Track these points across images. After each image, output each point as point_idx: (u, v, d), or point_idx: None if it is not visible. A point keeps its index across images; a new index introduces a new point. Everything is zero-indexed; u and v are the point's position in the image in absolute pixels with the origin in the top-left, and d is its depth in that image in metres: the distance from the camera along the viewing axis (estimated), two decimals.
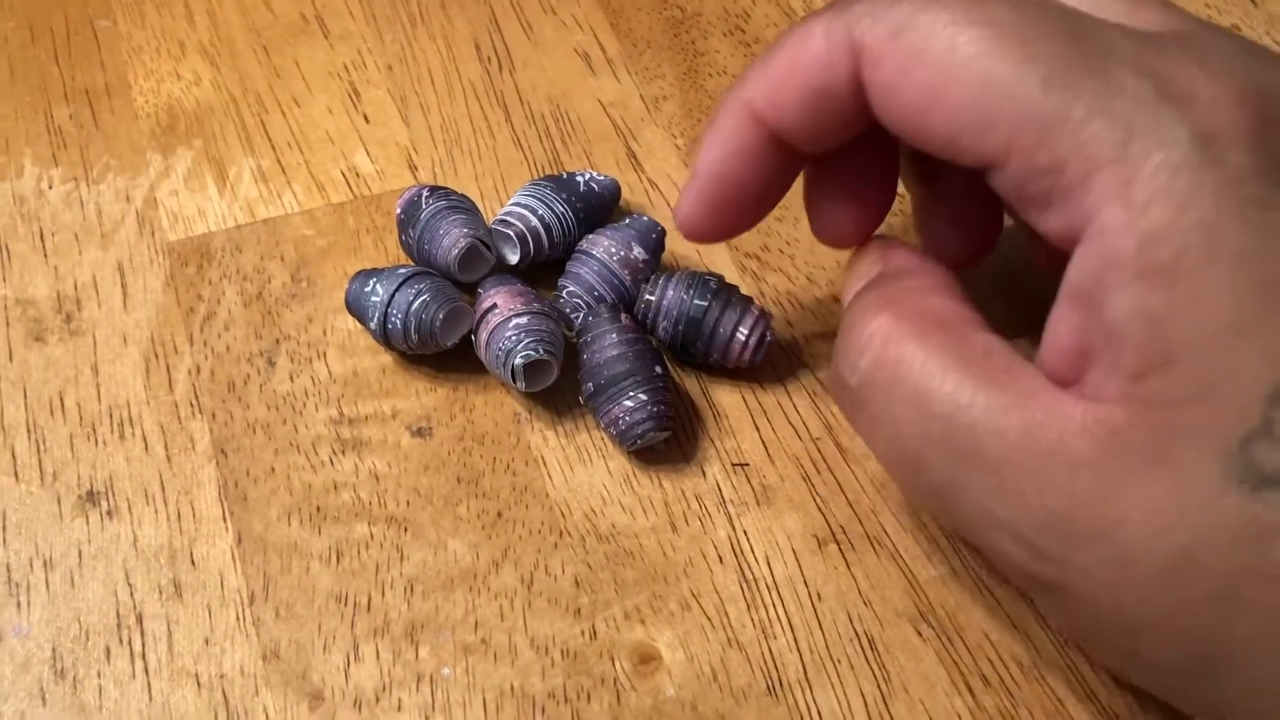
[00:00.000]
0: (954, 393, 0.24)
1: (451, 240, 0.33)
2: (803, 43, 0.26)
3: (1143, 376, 0.22)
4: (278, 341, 0.34)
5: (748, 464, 0.32)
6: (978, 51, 0.23)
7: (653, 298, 0.32)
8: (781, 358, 0.34)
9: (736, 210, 0.29)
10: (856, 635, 0.29)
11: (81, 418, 0.32)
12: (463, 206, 0.34)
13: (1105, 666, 0.29)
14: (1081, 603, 0.24)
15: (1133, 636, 0.23)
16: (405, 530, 0.31)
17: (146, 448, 0.32)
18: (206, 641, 0.29)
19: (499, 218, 0.34)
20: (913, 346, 0.25)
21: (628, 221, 0.34)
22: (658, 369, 0.31)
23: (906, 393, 0.25)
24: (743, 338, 0.32)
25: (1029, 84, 0.23)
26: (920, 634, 0.29)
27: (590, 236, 0.34)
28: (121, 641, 0.29)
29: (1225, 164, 0.22)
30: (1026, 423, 0.23)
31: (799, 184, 0.37)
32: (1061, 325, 0.24)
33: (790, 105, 0.27)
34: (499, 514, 0.31)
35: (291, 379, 0.33)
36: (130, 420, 0.32)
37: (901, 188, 0.32)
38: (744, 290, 0.35)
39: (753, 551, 0.30)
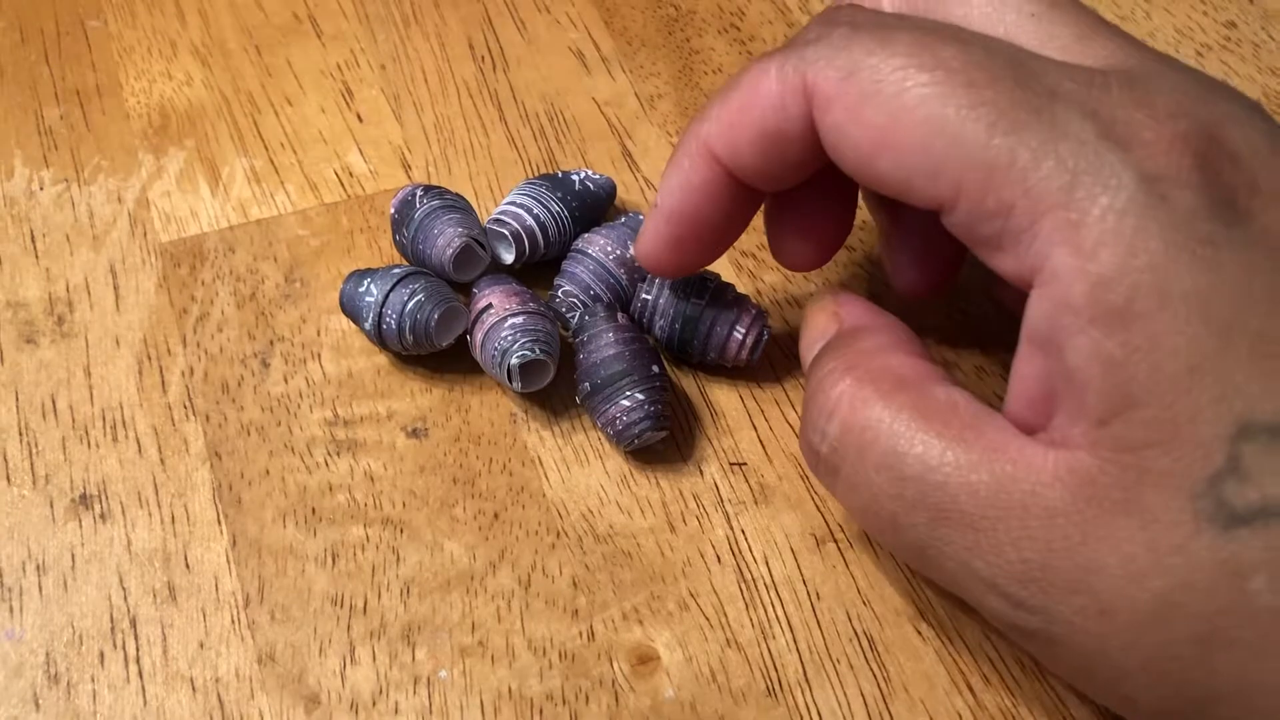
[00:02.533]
0: (923, 453, 0.24)
1: (446, 240, 0.33)
2: (756, 83, 0.26)
3: (1107, 421, 0.22)
4: (271, 343, 0.33)
5: (745, 463, 0.32)
6: (925, 95, 0.23)
7: (649, 297, 0.32)
8: (779, 357, 0.34)
9: (696, 245, 0.30)
10: (856, 635, 0.29)
11: (74, 420, 0.32)
12: (457, 206, 0.33)
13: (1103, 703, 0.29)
14: (1068, 651, 0.24)
15: (1122, 682, 0.23)
16: (401, 532, 0.30)
17: (140, 450, 0.31)
18: (201, 645, 0.29)
19: (494, 217, 0.34)
20: (879, 409, 0.25)
21: (623, 220, 0.34)
22: (654, 368, 0.31)
23: (876, 457, 0.25)
24: (740, 336, 0.32)
25: (975, 128, 0.23)
26: (920, 633, 0.29)
27: (586, 235, 0.34)
28: (115, 646, 0.29)
29: (1172, 204, 0.22)
30: (997, 476, 0.23)
31: None
32: (1025, 369, 0.24)
33: (744, 146, 0.27)
34: (496, 515, 0.31)
35: (286, 380, 0.33)
36: (123, 423, 0.32)
37: (865, 213, 0.32)
38: (741, 289, 0.34)
39: (751, 551, 0.30)
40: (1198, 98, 0.24)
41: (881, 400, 0.25)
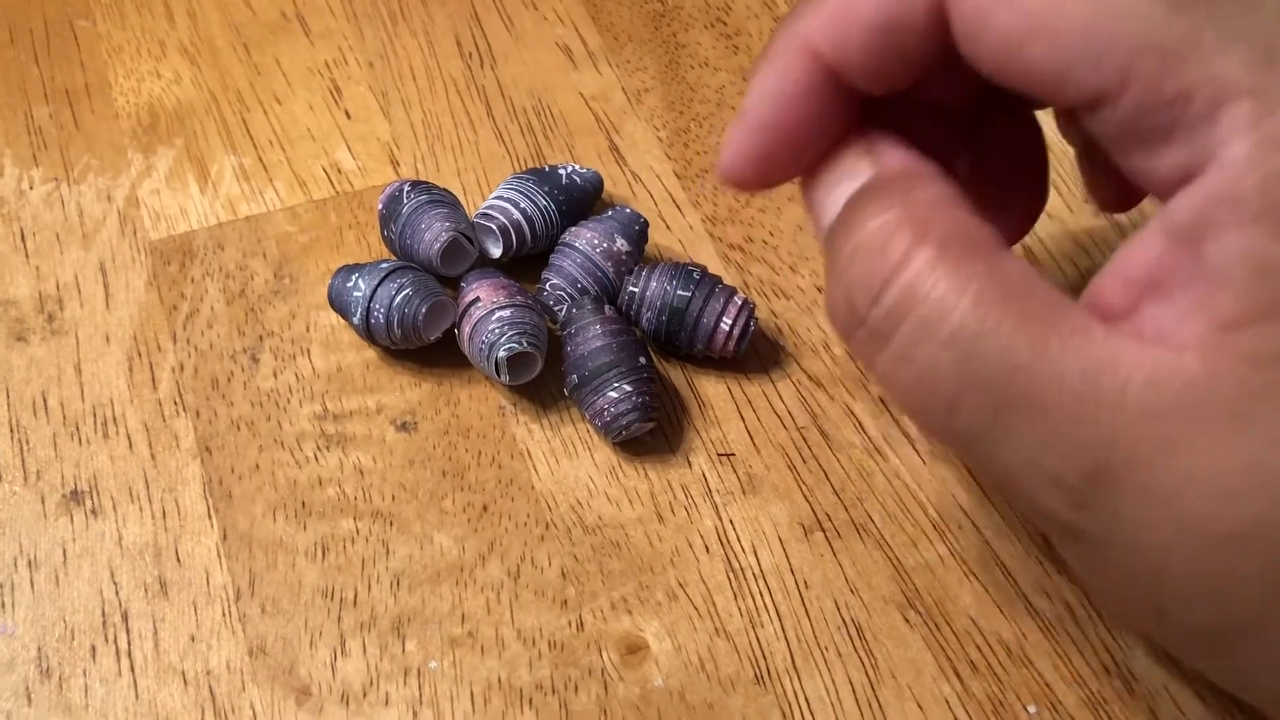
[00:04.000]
0: (1005, 333, 0.21)
1: (434, 234, 0.33)
2: None
3: (1236, 327, 0.20)
4: (261, 338, 0.34)
5: (733, 454, 0.32)
6: None
7: (636, 289, 0.32)
8: (766, 347, 0.34)
9: (788, 158, 0.26)
10: (844, 623, 0.29)
11: (65, 417, 0.32)
12: (445, 200, 0.34)
13: (1118, 618, 0.28)
14: (1119, 556, 0.22)
15: (1164, 593, 0.22)
16: (391, 525, 0.30)
17: (130, 446, 0.32)
18: (192, 638, 0.29)
19: (481, 211, 0.34)
20: (953, 278, 0.22)
21: (610, 214, 0.34)
22: (642, 360, 0.31)
23: (947, 332, 0.22)
24: (726, 327, 0.32)
25: (1149, 4, 0.20)
26: (907, 620, 0.29)
27: (573, 229, 0.34)
28: (107, 640, 0.29)
29: None
30: (1086, 368, 0.21)
31: None
32: (1138, 250, 0.22)
33: (857, 40, 0.24)
34: (485, 507, 0.31)
35: (275, 375, 0.33)
36: (114, 419, 0.32)
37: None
38: (728, 281, 0.35)
39: (739, 541, 0.30)
40: None
41: (955, 267, 0.22)
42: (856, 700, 0.28)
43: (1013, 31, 0.21)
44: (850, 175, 0.24)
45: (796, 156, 0.26)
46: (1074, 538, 0.23)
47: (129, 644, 0.29)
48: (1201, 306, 0.20)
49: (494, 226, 0.33)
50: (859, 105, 0.25)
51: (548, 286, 0.33)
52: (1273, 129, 0.20)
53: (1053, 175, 0.37)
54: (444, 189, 0.34)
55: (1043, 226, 0.36)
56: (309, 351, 0.33)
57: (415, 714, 0.28)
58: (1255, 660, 0.22)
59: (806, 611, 0.29)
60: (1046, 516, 0.23)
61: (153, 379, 0.33)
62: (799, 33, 0.24)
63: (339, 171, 0.37)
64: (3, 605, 0.29)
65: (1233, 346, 0.20)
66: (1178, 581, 0.21)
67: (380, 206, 0.34)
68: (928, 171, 0.24)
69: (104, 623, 0.29)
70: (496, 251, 0.34)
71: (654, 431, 0.32)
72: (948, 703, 0.28)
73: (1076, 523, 0.22)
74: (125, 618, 0.29)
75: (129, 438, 0.32)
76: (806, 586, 0.30)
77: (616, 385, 0.31)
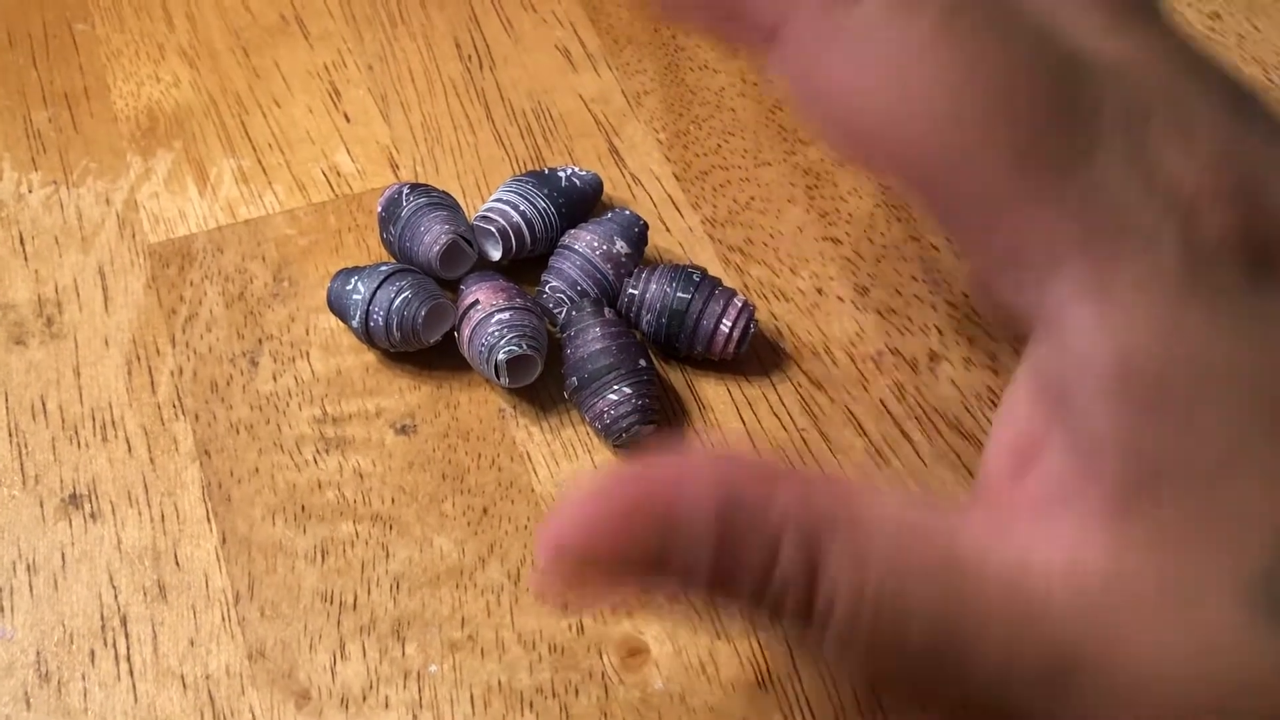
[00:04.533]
0: (918, 589, 0.21)
1: (433, 237, 0.33)
2: None
3: (1128, 513, 0.20)
4: (260, 341, 0.34)
5: None
6: (943, 92, 0.20)
7: (636, 291, 0.32)
8: (765, 349, 0.34)
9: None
10: None
11: (64, 421, 0.32)
12: (444, 203, 0.34)
13: None
14: None
15: None
16: (390, 528, 0.30)
17: (129, 450, 0.32)
18: (192, 642, 0.29)
19: (480, 214, 0.34)
20: (847, 561, 0.21)
21: (610, 216, 0.34)
22: (642, 362, 0.31)
23: (868, 611, 0.21)
24: (726, 329, 0.32)
25: (997, 157, 0.20)
26: None
27: (572, 231, 0.34)
28: (106, 644, 0.29)
29: (1215, 273, 0.19)
30: (1007, 585, 0.21)
31: (780, 177, 0.37)
32: (1013, 419, 0.22)
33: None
34: (484, 510, 0.31)
35: (274, 379, 0.33)
36: (113, 422, 0.32)
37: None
38: (727, 283, 0.35)
39: None
40: (1237, 132, 0.21)
41: (846, 549, 0.21)
42: (858, 703, 0.28)
43: (850, 105, 0.20)
44: (679, 540, 0.21)
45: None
46: None
47: (128, 648, 0.29)
48: (1087, 487, 0.20)
49: (493, 229, 0.33)
50: None
51: (547, 289, 0.33)
52: (1119, 304, 0.19)
53: None
54: (443, 191, 0.34)
55: None
56: (308, 354, 0.33)
57: (415, 717, 0.28)
58: None
59: None
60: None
61: (152, 382, 0.33)
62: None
63: (338, 174, 0.37)
64: (2, 609, 0.29)
65: (1134, 532, 0.20)
66: None
67: (379, 209, 0.34)
68: (729, 464, 0.22)
69: (103, 627, 0.29)
70: (496, 254, 0.34)
71: (654, 434, 0.32)
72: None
73: None
74: (124, 622, 0.29)
75: (128, 441, 0.32)
76: None
77: (616, 388, 0.30)
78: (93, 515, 0.31)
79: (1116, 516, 0.20)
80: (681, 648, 0.29)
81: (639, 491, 0.22)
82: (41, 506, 0.31)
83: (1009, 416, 0.23)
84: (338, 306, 0.32)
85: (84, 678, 0.28)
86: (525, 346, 0.31)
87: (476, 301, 0.32)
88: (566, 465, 0.31)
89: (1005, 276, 0.21)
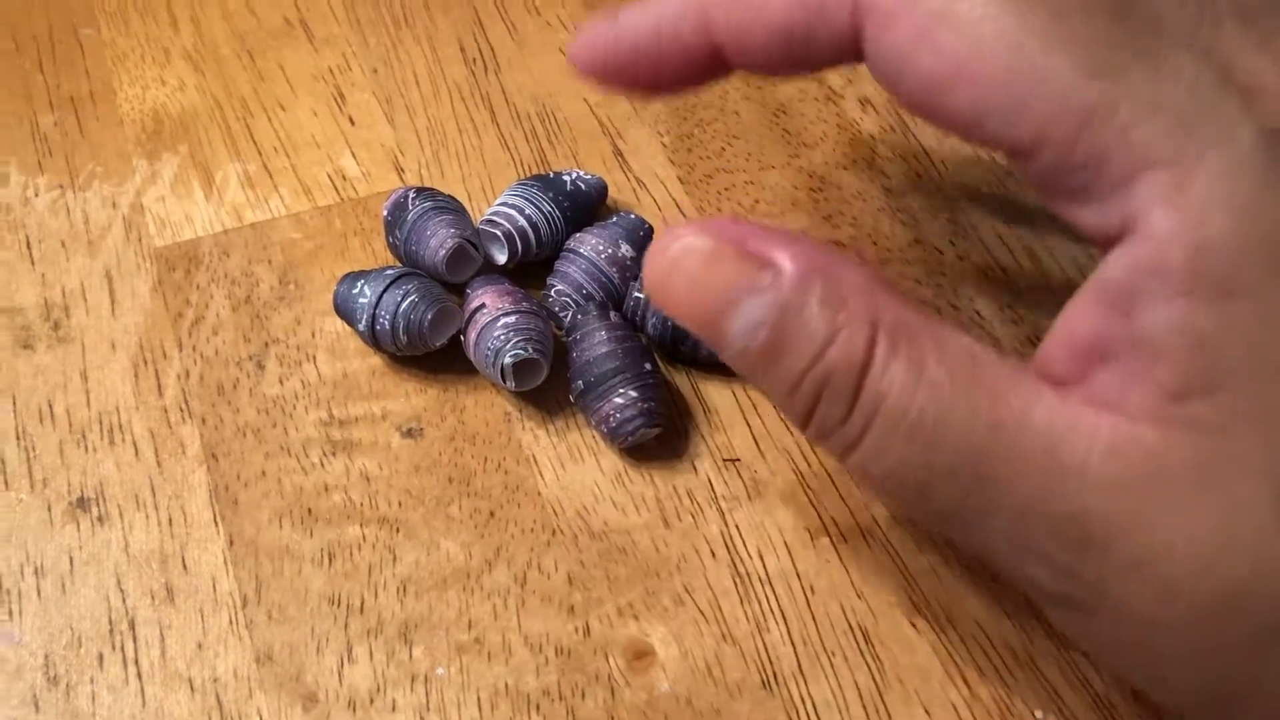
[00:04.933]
0: (960, 416, 0.21)
1: (439, 241, 0.33)
2: None
3: (1183, 398, 0.20)
4: (266, 345, 0.34)
5: (739, 459, 0.32)
6: (1010, 25, 0.20)
7: (641, 295, 0.32)
8: None
9: (628, 76, 0.26)
10: (850, 628, 0.29)
11: (71, 424, 0.32)
12: (450, 207, 0.34)
13: (1124, 679, 0.28)
14: (1109, 628, 0.22)
15: (1160, 665, 0.22)
16: (397, 531, 0.30)
17: (137, 453, 0.32)
18: (199, 646, 0.29)
19: (486, 217, 0.34)
20: (904, 368, 0.22)
21: (615, 219, 0.34)
22: (647, 365, 0.31)
23: (908, 425, 0.22)
24: None
25: (1066, 67, 0.20)
26: (914, 625, 0.29)
27: (578, 235, 0.34)
28: (114, 647, 0.29)
29: None
30: (1046, 441, 0.21)
31: (784, 181, 0.37)
32: (1080, 319, 0.22)
33: (756, 37, 0.23)
34: (491, 513, 0.31)
35: (281, 382, 0.33)
36: (120, 426, 0.32)
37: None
38: None
39: (745, 546, 0.30)
40: None
41: (906, 356, 0.22)
42: (864, 705, 0.28)
43: (935, 76, 0.21)
44: (753, 290, 0.22)
45: (639, 81, 0.26)
46: (1066, 608, 0.23)
47: (136, 651, 0.29)
48: (1145, 376, 0.21)
49: (499, 233, 0.33)
50: (728, 71, 0.25)
51: (553, 293, 0.33)
52: (1193, 200, 0.20)
53: None
54: (449, 195, 0.34)
55: (1043, 231, 0.36)
56: (314, 358, 0.33)
57: None
58: None
59: (813, 616, 0.29)
60: (1035, 587, 0.23)
61: (158, 386, 0.33)
62: (701, 3, 0.24)
63: (344, 178, 0.37)
64: (10, 613, 0.29)
65: (1184, 417, 0.20)
66: (1169, 652, 0.22)
67: (385, 213, 0.34)
68: (833, 258, 0.23)
69: (111, 630, 0.29)
70: (502, 258, 0.34)
71: (659, 437, 0.32)
72: (955, 708, 0.28)
73: (1067, 594, 0.22)
74: (132, 625, 0.29)
75: (135, 445, 0.32)
76: (813, 591, 0.30)
77: (622, 391, 0.31)
78: (100, 519, 0.31)
79: (1169, 401, 0.20)
80: (688, 650, 0.29)
81: (739, 233, 0.22)
82: (49, 510, 0.31)
83: (1070, 320, 0.22)
84: (344, 310, 0.33)
85: (92, 681, 0.28)
86: (531, 350, 0.31)
87: (483, 305, 0.32)
88: (572, 468, 0.32)
89: (1090, 199, 0.21)
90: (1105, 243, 0.21)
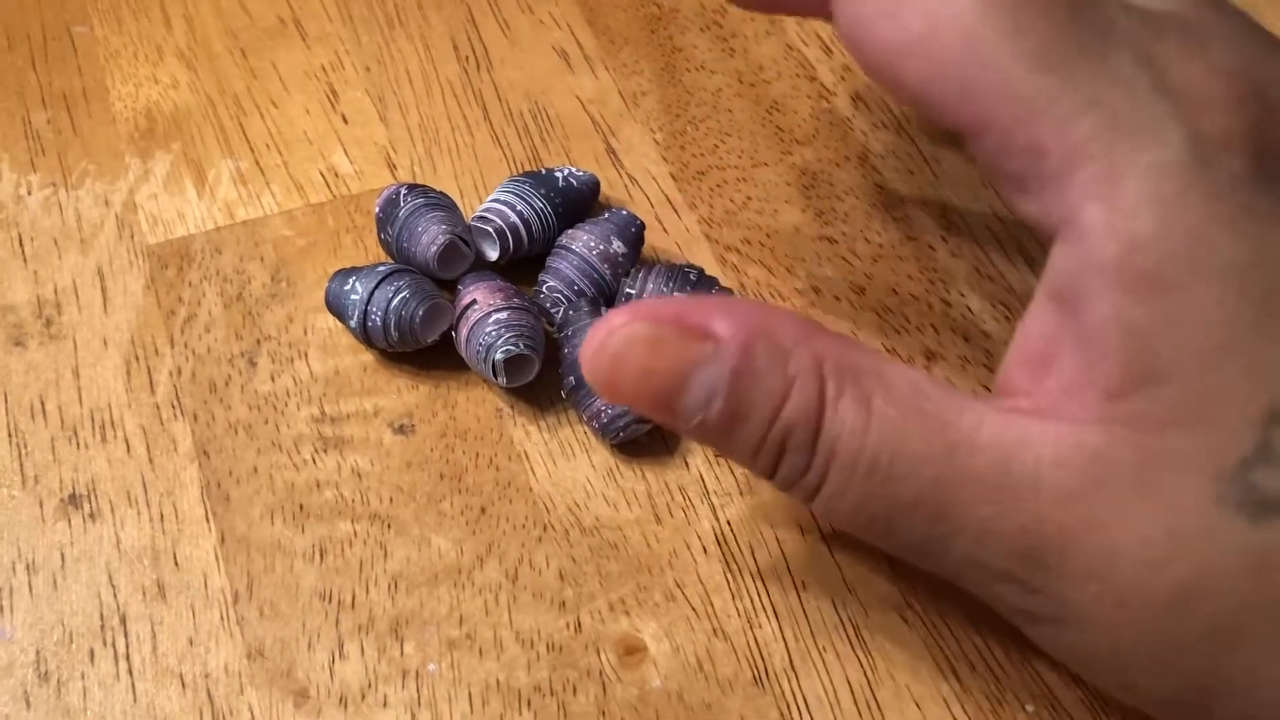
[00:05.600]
0: (912, 450, 0.22)
1: (430, 237, 0.33)
2: None
3: (1123, 396, 0.21)
4: (258, 342, 0.34)
5: None
6: (967, 9, 0.21)
7: (633, 291, 0.32)
8: None
9: None
10: (842, 622, 0.29)
11: (63, 421, 0.32)
12: (441, 204, 0.34)
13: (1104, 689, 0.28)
14: (1076, 637, 0.23)
15: (1128, 670, 0.22)
16: (389, 527, 0.31)
17: (128, 450, 0.32)
18: (191, 641, 0.29)
19: (478, 214, 0.34)
20: (853, 410, 0.22)
21: (607, 216, 0.34)
22: None
23: (864, 466, 0.22)
24: None
25: (1015, 56, 0.21)
26: (905, 620, 0.29)
27: (569, 231, 0.34)
28: (105, 643, 0.29)
29: (1218, 169, 0.21)
30: (995, 459, 0.22)
31: (777, 177, 0.37)
32: (1033, 325, 0.23)
33: None
34: (482, 509, 0.31)
35: (273, 379, 0.33)
36: (112, 423, 0.32)
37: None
38: (724, 283, 0.35)
39: (737, 542, 0.30)
40: (1255, 56, 0.22)
41: (854, 398, 0.22)
42: (855, 700, 0.28)
43: (892, 47, 0.22)
44: (700, 364, 0.23)
45: None
46: (1034, 622, 0.24)
47: (127, 647, 0.29)
48: (1088, 377, 0.21)
49: (491, 229, 0.33)
50: None
51: (544, 289, 0.33)
52: (1124, 197, 0.20)
53: None
54: (441, 192, 0.34)
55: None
56: (306, 355, 0.33)
57: (414, 716, 0.28)
58: (1232, 718, 0.22)
59: (804, 611, 0.29)
60: (1004, 605, 0.24)
61: (150, 383, 0.33)
62: None
63: (336, 175, 0.37)
64: (1, 609, 0.29)
65: (1124, 416, 0.21)
66: (1132, 655, 0.22)
67: (377, 210, 0.34)
68: (767, 313, 0.23)
69: (102, 626, 0.29)
70: (493, 254, 0.34)
71: (651, 433, 0.32)
72: (946, 703, 0.28)
73: (1031, 609, 0.23)
74: (123, 621, 0.29)
75: (127, 441, 0.32)
76: (804, 587, 0.30)
77: None
78: (92, 515, 0.31)
79: (1110, 401, 0.21)
80: (679, 646, 0.29)
81: (674, 312, 0.23)
82: (41, 506, 0.31)
83: (1025, 329, 0.23)
84: (335, 307, 0.33)
85: (83, 677, 0.28)
86: (523, 346, 0.31)
87: (474, 301, 0.32)
88: (564, 464, 0.32)
89: (1028, 188, 0.22)
90: (1049, 237, 0.22)
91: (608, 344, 0.23)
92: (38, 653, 0.29)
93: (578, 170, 0.35)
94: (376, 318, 0.32)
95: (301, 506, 0.31)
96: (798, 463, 0.23)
